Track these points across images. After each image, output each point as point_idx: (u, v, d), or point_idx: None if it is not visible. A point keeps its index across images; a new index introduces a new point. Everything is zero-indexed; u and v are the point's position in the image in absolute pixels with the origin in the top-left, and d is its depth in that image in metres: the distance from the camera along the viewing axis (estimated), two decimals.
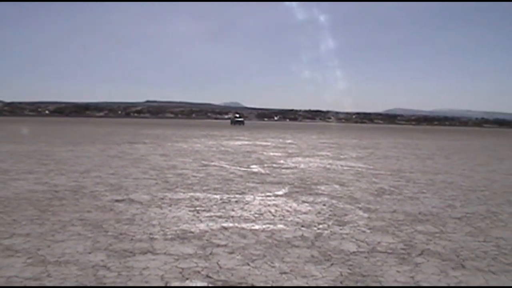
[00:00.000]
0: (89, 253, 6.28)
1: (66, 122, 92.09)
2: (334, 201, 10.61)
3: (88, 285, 5.17)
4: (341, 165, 18.96)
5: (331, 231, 7.84)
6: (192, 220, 8.37)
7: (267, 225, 8.13)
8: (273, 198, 10.89)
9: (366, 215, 9.24)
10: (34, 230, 7.37)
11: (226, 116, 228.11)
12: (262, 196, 11.03)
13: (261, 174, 15.32)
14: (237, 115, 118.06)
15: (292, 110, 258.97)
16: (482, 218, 9.27)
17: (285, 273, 5.70)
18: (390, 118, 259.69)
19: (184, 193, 11.16)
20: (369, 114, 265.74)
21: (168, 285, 5.22)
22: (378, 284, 5.42)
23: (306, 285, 5.32)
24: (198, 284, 5.26)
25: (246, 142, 34.49)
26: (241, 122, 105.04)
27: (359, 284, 5.40)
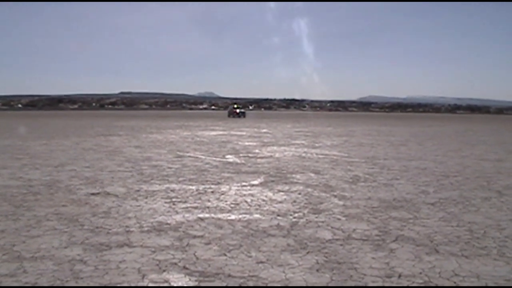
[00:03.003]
0: (65, 247, 6.25)
1: (40, 115, 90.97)
2: (309, 190, 10.69)
3: (66, 280, 5.16)
4: (316, 154, 19.06)
5: (306, 220, 7.90)
6: (168, 211, 8.37)
7: (243, 215, 8.17)
8: (248, 187, 10.93)
9: (341, 202, 9.32)
10: (9, 226, 7.31)
11: (201, 107, 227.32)
12: (237, 186, 11.06)
13: (237, 164, 15.34)
14: (235, 106, 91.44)
15: (267, 99, 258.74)
16: (455, 203, 9.41)
17: (261, 262, 5.75)
18: (364, 106, 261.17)
19: (159, 184, 11.14)
20: (344, 102, 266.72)
21: (145, 277, 5.23)
22: (353, 271, 5.49)
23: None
24: (175, 276, 5.28)
25: (221, 132, 34.46)
26: (242, 114, 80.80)
27: (334, 272, 5.46)
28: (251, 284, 5.12)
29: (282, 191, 10.49)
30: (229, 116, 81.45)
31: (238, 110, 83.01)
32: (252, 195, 10.04)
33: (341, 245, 6.51)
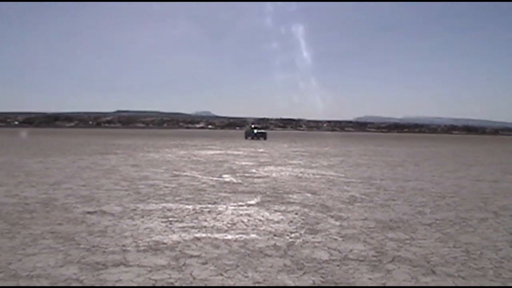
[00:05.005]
0: (61, 266, 6.22)
1: (36, 132, 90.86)
2: (306, 210, 10.68)
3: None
4: (313, 174, 19.07)
5: (303, 240, 7.89)
6: (165, 231, 8.35)
7: (240, 235, 8.15)
8: (245, 207, 10.92)
9: (337, 223, 9.31)
10: (4, 244, 7.28)
11: (197, 126, 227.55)
12: (234, 206, 11.05)
13: (233, 183, 15.33)
14: (254, 126, 76.54)
15: (263, 118, 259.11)
16: (452, 224, 9.42)
17: (258, 282, 5.73)
18: (360, 126, 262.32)
19: (156, 204, 11.12)
20: (340, 122, 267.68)
21: None
22: None
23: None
24: None
25: (217, 152, 34.46)
26: (262, 135, 67.35)
27: None
28: None
29: (279, 211, 10.48)
30: (246, 137, 69.37)
31: (256, 131, 68.82)
32: (249, 215, 10.03)
33: (337, 265, 6.50)
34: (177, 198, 11.96)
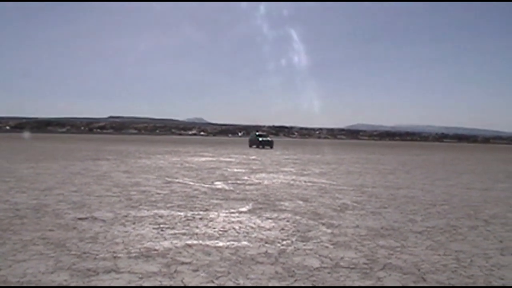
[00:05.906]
0: (52, 272, 6.20)
1: (28, 137, 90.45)
2: (297, 217, 10.69)
3: None
4: (305, 181, 19.09)
5: (294, 247, 7.90)
6: (156, 237, 8.34)
7: (231, 242, 8.15)
8: (237, 214, 10.91)
9: (329, 230, 9.33)
10: None
11: (190, 132, 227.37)
12: (226, 213, 11.04)
13: (225, 190, 15.33)
14: (259, 133, 69.34)
15: (256, 126, 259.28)
16: (442, 232, 9.46)
17: None
18: (353, 134, 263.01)
19: (147, 210, 11.10)
20: (332, 129, 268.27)
21: None
22: None
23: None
24: None
25: (210, 159, 34.45)
26: (268, 144, 62.75)
27: None
28: None
29: (270, 219, 10.48)
30: (251, 145, 65.60)
31: (262, 139, 64.07)
32: (240, 222, 10.03)
33: (328, 273, 6.51)
34: (168, 205, 11.94)
